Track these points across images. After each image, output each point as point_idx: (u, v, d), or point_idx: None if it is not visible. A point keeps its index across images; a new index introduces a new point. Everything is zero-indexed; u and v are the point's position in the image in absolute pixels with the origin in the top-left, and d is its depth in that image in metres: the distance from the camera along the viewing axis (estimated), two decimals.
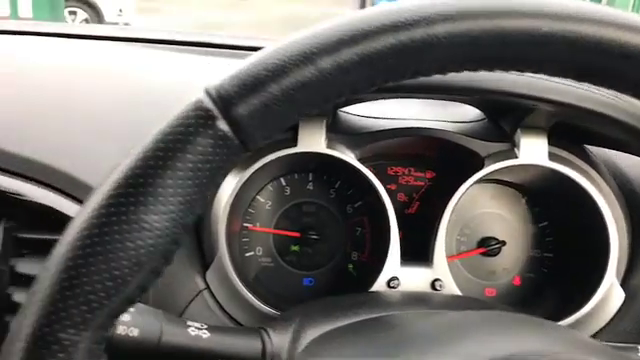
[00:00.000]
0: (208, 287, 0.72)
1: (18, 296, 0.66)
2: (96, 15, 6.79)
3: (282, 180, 0.82)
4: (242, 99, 0.34)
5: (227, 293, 0.72)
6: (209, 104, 0.34)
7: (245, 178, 0.73)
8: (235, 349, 0.55)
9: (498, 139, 0.78)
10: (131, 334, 0.51)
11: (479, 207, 0.83)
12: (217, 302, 0.72)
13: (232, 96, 0.34)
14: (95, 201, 0.34)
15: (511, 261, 0.83)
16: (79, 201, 0.68)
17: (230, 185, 0.74)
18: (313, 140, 0.74)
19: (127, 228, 0.33)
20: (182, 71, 0.88)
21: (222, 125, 0.34)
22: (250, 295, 0.72)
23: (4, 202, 0.68)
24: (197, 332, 0.55)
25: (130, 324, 0.52)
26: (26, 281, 0.67)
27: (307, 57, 0.34)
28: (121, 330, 0.51)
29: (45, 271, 0.34)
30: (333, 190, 0.83)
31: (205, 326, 0.56)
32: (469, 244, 0.83)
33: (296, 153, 0.74)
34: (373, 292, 0.73)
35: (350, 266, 0.83)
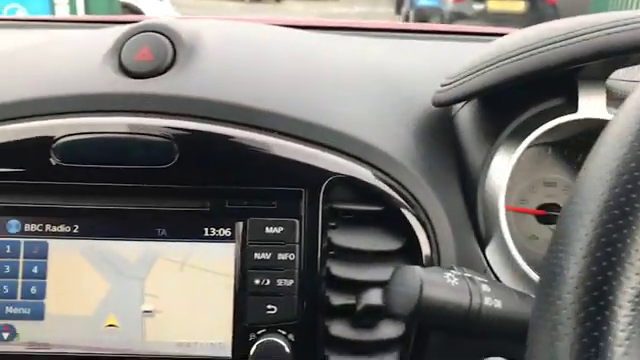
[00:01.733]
0: (489, 265, 0.76)
1: (336, 269, 0.74)
2: None
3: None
4: None
5: (510, 272, 0.75)
6: None
7: (524, 148, 0.76)
8: None
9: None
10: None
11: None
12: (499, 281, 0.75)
13: None
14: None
15: None
16: (379, 169, 0.76)
17: (504, 157, 0.77)
18: (595, 105, 0.75)
19: None
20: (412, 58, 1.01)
21: None
22: (534, 274, 0.74)
23: (307, 172, 0.74)
24: None
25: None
26: (341, 253, 0.74)
27: None
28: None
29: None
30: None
31: None
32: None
33: (575, 120, 0.75)
34: None
35: None
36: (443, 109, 0.88)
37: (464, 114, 0.88)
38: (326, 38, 1.09)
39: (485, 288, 0.64)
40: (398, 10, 15.68)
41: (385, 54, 1.06)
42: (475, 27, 1.38)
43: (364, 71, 0.92)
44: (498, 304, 0.64)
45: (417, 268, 0.63)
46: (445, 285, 0.63)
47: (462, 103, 0.87)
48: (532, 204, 0.85)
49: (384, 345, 0.76)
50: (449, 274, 0.64)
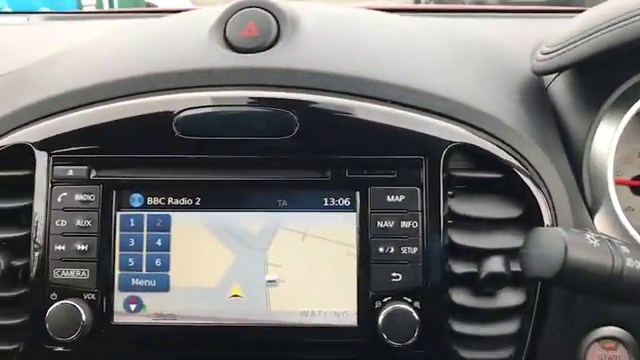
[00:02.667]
0: None
1: (457, 238, 0.75)
2: None
3: None
4: None
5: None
6: None
7: (630, 117, 0.77)
8: None
9: None
10: None
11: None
12: None
13: None
14: None
15: None
16: (494, 136, 0.76)
17: (609, 128, 0.78)
18: None
19: None
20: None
21: None
22: None
23: (427, 141, 0.75)
24: None
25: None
26: (462, 221, 0.75)
27: None
28: None
29: None
30: None
31: None
32: None
33: None
34: None
35: None
36: (537, 80, 0.88)
37: (559, 85, 0.87)
38: (411, 19, 1.09)
39: (625, 249, 0.63)
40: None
41: (474, 29, 1.06)
42: (545, 6, 1.41)
43: (461, 44, 0.92)
44: (639, 266, 0.63)
45: (560, 229, 0.63)
46: (588, 247, 0.62)
47: (556, 74, 0.86)
48: (627, 175, 0.84)
49: (506, 313, 0.76)
50: (589, 235, 0.64)
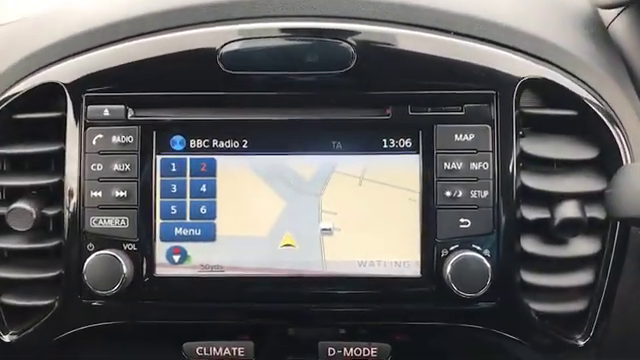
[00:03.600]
0: None
1: (529, 181, 0.68)
2: None
3: None
4: None
5: None
6: None
7: None
8: None
9: None
10: None
11: None
12: None
13: None
14: None
15: None
16: (568, 72, 0.70)
17: None
18: None
19: None
20: None
21: None
22: None
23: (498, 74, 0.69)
24: None
25: None
26: (534, 163, 0.70)
27: None
28: None
29: None
30: None
31: None
32: None
33: None
34: None
35: None
36: (599, 19, 0.81)
37: (622, 22, 0.80)
38: None
39: None
40: None
41: None
42: None
43: None
44: None
45: None
46: None
47: (618, 12, 0.80)
48: None
49: (579, 262, 0.70)
50: None
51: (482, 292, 0.65)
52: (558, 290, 0.70)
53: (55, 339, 0.71)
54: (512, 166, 0.68)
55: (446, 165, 0.68)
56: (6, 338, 0.72)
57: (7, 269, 0.73)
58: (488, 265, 0.65)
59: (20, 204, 0.70)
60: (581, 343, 0.69)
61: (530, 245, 0.69)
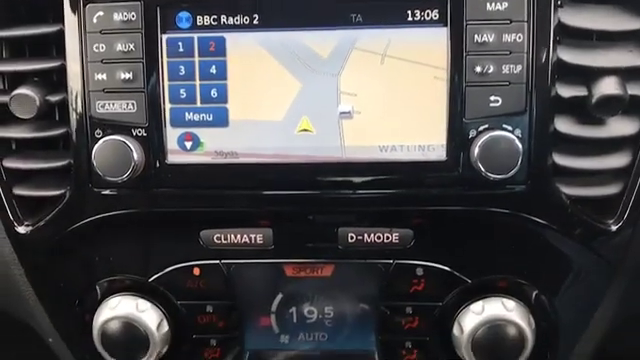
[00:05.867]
0: None
1: (566, 55, 0.63)
2: None
3: None
4: None
5: None
6: None
7: None
8: None
9: None
10: None
11: None
12: None
13: None
14: None
15: None
16: None
17: None
18: None
19: None
20: None
21: None
22: None
23: None
24: None
25: None
26: (572, 36, 0.64)
27: None
28: None
29: None
30: None
31: None
32: None
33: None
34: None
35: None
36: None
37: None
38: None
39: None
40: None
41: None
42: None
43: None
44: None
45: None
46: None
47: None
48: None
49: (615, 144, 0.65)
50: None
51: (512, 174, 0.61)
52: (592, 173, 0.66)
53: (69, 230, 0.70)
54: (548, 38, 0.62)
55: (477, 37, 0.62)
56: (21, 230, 0.71)
57: (17, 160, 0.71)
58: (519, 145, 0.61)
59: (23, 90, 0.66)
60: (614, 228, 0.66)
61: (564, 125, 0.64)
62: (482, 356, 0.68)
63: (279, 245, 0.70)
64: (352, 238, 0.69)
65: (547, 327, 0.71)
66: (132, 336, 0.70)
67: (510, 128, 0.62)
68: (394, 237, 0.68)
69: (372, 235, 0.68)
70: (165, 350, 0.73)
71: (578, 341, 0.72)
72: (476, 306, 0.69)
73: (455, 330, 0.70)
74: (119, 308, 0.71)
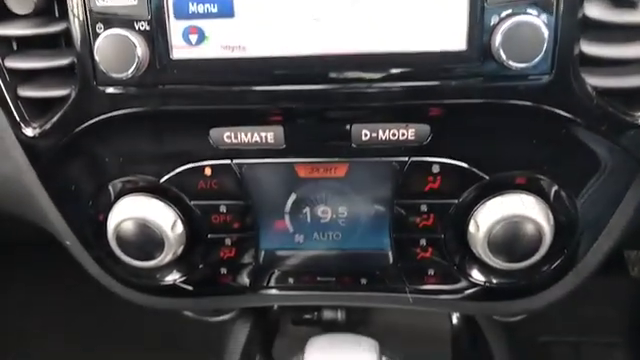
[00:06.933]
0: None
1: None
2: None
3: None
4: None
5: None
6: None
7: None
8: None
9: None
10: None
11: None
12: None
13: None
14: None
15: None
16: None
17: None
18: None
19: None
20: None
21: None
22: None
23: None
24: None
25: None
26: None
27: None
28: None
29: None
30: None
31: None
32: None
33: None
34: None
35: None
36: None
37: None
38: None
39: None
40: None
41: None
42: None
43: None
44: None
45: None
46: None
47: None
48: None
49: None
50: None
51: (535, 62, 0.58)
52: (620, 63, 0.62)
53: (77, 130, 0.68)
54: None
55: None
56: (29, 131, 0.70)
57: (18, 59, 0.69)
58: (545, 31, 0.57)
59: None
60: None
61: (594, 9, 0.60)
62: (498, 253, 0.67)
63: (291, 144, 0.68)
64: (366, 135, 0.67)
65: (566, 224, 0.69)
66: (147, 236, 0.71)
67: (535, 13, 0.58)
68: (410, 133, 0.66)
69: (387, 132, 0.66)
70: (181, 250, 0.73)
71: (597, 239, 0.71)
72: (493, 203, 0.68)
73: (471, 227, 0.69)
74: (132, 208, 0.71)
